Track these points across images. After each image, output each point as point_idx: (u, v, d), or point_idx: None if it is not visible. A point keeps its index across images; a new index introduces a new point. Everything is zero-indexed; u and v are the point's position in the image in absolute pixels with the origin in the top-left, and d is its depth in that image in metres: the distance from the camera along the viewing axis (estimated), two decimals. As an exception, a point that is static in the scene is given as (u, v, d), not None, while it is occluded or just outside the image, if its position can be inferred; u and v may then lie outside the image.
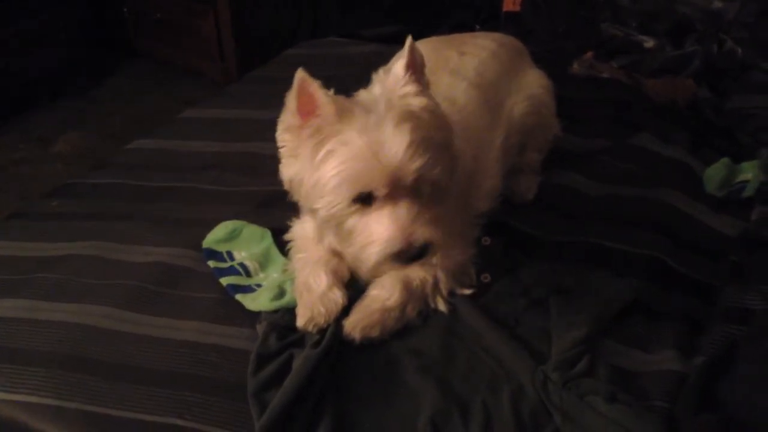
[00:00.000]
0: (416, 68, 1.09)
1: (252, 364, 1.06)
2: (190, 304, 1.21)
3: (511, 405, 1.05)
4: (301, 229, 1.26)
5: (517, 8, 2.40)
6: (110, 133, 2.87)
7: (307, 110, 1.04)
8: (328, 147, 1.02)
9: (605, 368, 1.11)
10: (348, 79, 1.93)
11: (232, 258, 1.28)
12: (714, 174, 1.52)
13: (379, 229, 1.02)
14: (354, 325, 1.13)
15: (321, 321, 1.13)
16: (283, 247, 1.29)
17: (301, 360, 1.04)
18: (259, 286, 1.22)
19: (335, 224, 1.06)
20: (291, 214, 1.34)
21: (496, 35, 1.57)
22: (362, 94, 1.11)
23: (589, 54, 2.02)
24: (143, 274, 1.27)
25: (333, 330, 1.10)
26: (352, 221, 1.04)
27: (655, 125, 1.69)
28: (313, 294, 1.16)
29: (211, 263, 1.27)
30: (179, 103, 2.86)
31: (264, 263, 1.27)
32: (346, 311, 1.15)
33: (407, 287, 1.16)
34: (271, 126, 1.72)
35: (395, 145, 1.00)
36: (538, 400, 1.06)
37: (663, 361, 1.14)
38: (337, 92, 1.84)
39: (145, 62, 3.46)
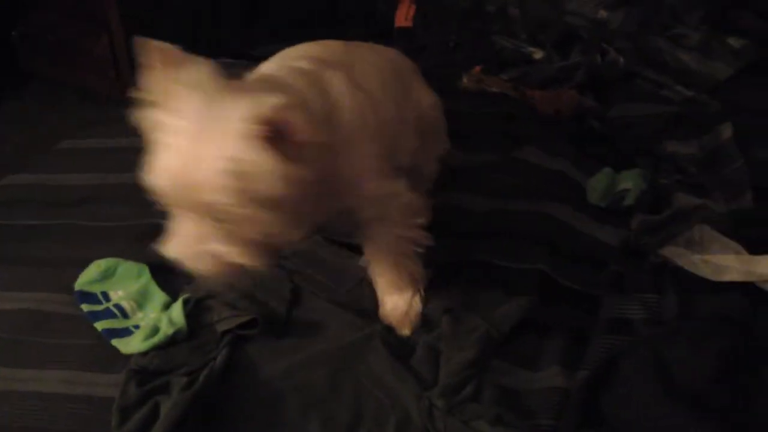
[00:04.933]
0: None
1: (115, 418, 1.00)
2: (59, 353, 1.14)
3: (396, 435, 1.03)
4: None
5: (410, 23, 2.41)
6: (2, 161, 2.72)
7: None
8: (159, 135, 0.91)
9: (491, 390, 1.11)
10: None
11: (108, 299, 1.22)
12: (596, 184, 1.55)
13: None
14: None
15: None
16: (162, 281, 1.25)
17: (169, 406, 0.99)
18: (137, 327, 1.17)
19: None
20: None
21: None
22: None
23: (477, 68, 2.05)
24: (7, 324, 1.19)
25: (207, 373, 1.06)
26: None
27: (541, 138, 1.72)
28: None
29: (85, 307, 1.20)
30: (77, 127, 2.74)
31: (141, 302, 1.21)
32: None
33: None
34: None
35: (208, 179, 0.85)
36: (424, 429, 1.04)
37: (548, 378, 1.15)
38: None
39: (38, 85, 3.29)
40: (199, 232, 0.91)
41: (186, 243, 0.92)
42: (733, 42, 2.15)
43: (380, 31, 2.46)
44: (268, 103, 0.83)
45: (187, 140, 0.87)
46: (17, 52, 3.28)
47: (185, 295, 1.19)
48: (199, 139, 0.86)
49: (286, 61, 1.19)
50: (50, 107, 3.14)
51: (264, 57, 2.23)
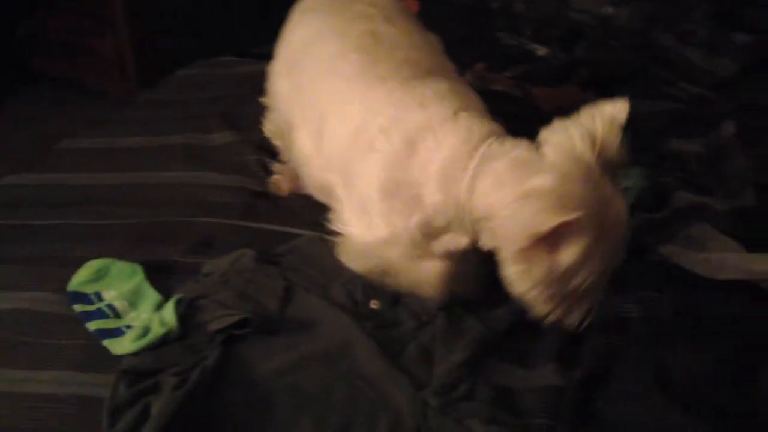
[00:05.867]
0: None
1: (105, 419, 1.00)
2: (53, 353, 1.13)
3: (387, 435, 1.02)
4: None
5: (413, 20, 2.39)
6: (9, 160, 2.73)
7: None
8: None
9: (486, 389, 1.10)
10: (236, 99, 1.91)
11: (100, 299, 1.22)
12: (597, 182, 1.53)
13: None
14: None
15: None
16: (156, 281, 1.25)
17: (160, 406, 0.99)
18: (129, 327, 1.17)
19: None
20: (173, 248, 1.33)
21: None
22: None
23: (481, 65, 2.03)
24: (2, 324, 1.19)
25: (198, 372, 1.05)
26: None
27: (541, 135, 1.70)
28: None
29: (78, 307, 1.20)
30: (82, 126, 2.75)
31: (134, 301, 1.21)
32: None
33: None
34: (157, 153, 1.68)
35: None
36: (416, 428, 1.04)
37: (544, 377, 1.14)
38: (226, 112, 1.81)
39: (44, 85, 3.32)
40: None
41: None
42: (739, 38, 2.13)
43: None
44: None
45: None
46: (23, 52, 3.30)
47: (178, 296, 1.19)
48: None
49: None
50: (56, 107, 3.16)
51: (266, 54, 2.23)
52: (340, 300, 1.24)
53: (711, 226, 1.37)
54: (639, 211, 1.45)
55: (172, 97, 1.98)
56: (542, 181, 0.97)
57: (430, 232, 1.13)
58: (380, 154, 1.12)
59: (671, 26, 2.26)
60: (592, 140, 1.00)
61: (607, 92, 1.97)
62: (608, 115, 1.02)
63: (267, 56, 2.23)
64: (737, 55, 2.07)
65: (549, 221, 0.92)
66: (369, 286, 1.25)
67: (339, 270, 1.29)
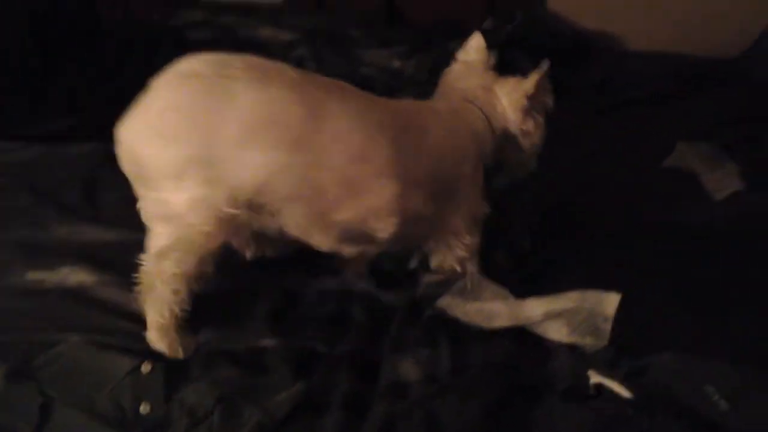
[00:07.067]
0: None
1: None
2: None
3: None
4: None
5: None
6: None
7: None
8: None
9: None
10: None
11: None
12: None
13: None
14: None
15: None
16: None
17: None
18: None
19: None
20: None
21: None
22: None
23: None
24: None
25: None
26: None
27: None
28: None
29: None
30: None
31: None
32: None
33: None
34: None
35: None
36: None
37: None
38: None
39: None
40: None
41: None
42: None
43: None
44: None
45: None
46: None
47: None
48: None
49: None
50: None
51: (43, 137, 2.04)
52: (107, 411, 1.14)
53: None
54: (425, 272, 1.47)
55: None
56: (507, 81, 1.43)
57: None
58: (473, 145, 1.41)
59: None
60: (481, 60, 1.46)
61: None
62: (474, 44, 1.46)
63: (44, 138, 2.06)
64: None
65: (532, 80, 1.38)
66: (139, 387, 1.18)
67: (106, 376, 1.20)
